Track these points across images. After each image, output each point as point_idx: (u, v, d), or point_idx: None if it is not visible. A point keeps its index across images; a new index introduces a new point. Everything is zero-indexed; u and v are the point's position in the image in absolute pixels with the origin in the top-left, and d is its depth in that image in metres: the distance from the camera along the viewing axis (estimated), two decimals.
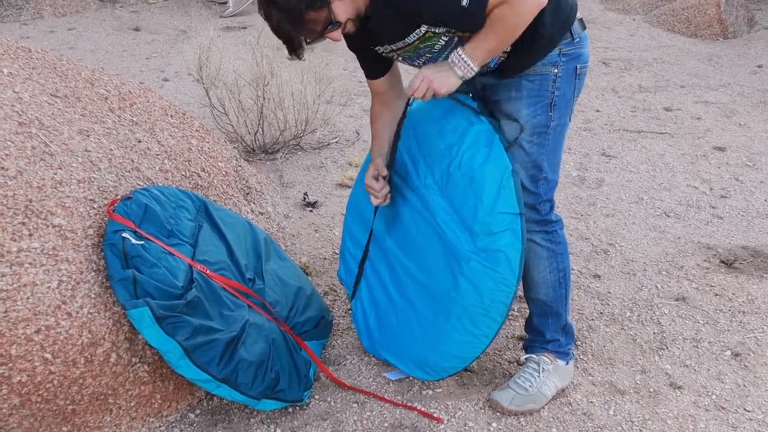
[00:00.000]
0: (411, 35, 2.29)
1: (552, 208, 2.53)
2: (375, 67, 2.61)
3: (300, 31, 2.24)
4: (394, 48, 2.36)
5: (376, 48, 2.44)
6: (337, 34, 2.29)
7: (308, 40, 2.30)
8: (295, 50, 2.34)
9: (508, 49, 2.31)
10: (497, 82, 2.44)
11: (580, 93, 2.49)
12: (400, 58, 2.46)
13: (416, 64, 2.44)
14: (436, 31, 2.25)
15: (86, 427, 2.26)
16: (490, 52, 2.25)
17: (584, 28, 2.42)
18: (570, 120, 2.47)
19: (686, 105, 5.83)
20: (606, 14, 8.65)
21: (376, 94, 2.69)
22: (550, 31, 2.32)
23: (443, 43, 2.30)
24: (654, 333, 2.92)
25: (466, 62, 2.26)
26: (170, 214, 2.55)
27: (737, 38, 7.95)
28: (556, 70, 2.36)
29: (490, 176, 2.41)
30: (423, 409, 2.49)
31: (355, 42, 2.51)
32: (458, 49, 2.26)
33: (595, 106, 5.74)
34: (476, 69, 2.27)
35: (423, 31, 2.26)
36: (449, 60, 2.28)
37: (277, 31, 2.26)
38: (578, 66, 2.40)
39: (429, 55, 2.36)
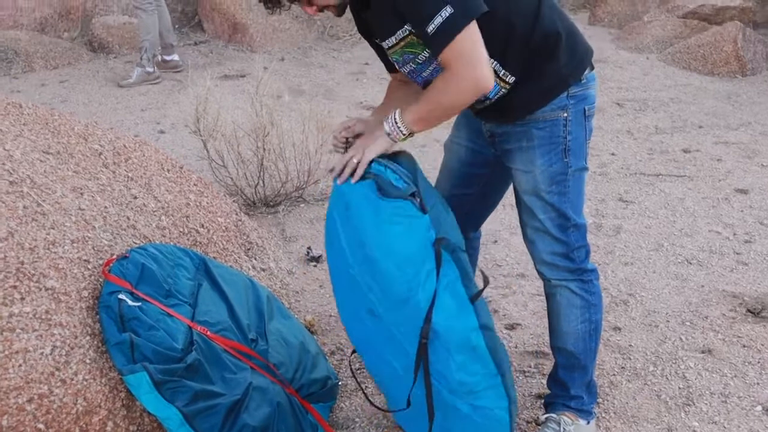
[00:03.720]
0: (397, 33, 2.30)
1: (587, 255, 2.54)
2: (388, 61, 2.62)
3: None
4: (386, 46, 2.38)
5: (375, 41, 2.47)
6: (309, 9, 2.34)
7: None
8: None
9: (511, 82, 2.33)
10: (506, 131, 2.45)
11: (592, 135, 2.50)
12: (393, 59, 2.48)
13: (405, 70, 2.45)
14: (416, 35, 2.27)
15: None
16: (422, 120, 2.29)
17: (593, 68, 2.45)
18: (587, 162, 2.49)
19: (705, 146, 5.85)
20: (618, 53, 8.71)
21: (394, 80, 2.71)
22: (564, 71, 2.35)
23: (426, 56, 2.32)
24: (679, 388, 2.91)
25: (395, 122, 2.31)
26: (168, 273, 2.56)
27: (756, 75, 8.00)
28: (565, 114, 2.38)
29: (454, 335, 2.30)
30: None
31: (362, 32, 2.54)
32: (395, 115, 2.31)
33: (610, 149, 5.77)
34: (404, 131, 2.31)
35: (406, 32, 2.28)
36: (383, 126, 2.33)
37: None
38: (586, 108, 2.42)
39: (413, 65, 2.36)
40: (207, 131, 4.50)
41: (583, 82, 2.40)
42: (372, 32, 2.45)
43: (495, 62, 2.30)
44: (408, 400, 2.39)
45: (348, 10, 2.41)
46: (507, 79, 2.33)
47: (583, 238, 2.52)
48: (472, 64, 2.16)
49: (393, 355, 2.43)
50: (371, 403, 2.62)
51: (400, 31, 2.28)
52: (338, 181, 2.39)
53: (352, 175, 2.37)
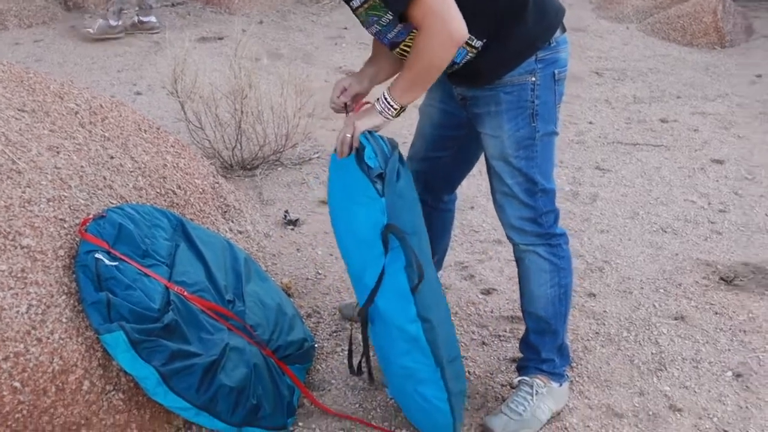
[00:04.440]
0: None
1: (556, 219, 2.55)
2: None
3: None
4: (352, 6, 2.33)
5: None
6: None
7: None
8: None
9: (478, 46, 2.32)
10: (475, 95, 2.45)
11: (563, 99, 2.51)
12: (360, 20, 2.46)
13: (371, 32, 2.44)
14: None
15: None
16: (408, 89, 2.28)
17: (564, 31, 2.44)
18: (557, 127, 2.49)
19: (683, 116, 5.88)
20: (598, 22, 8.70)
21: None
22: (532, 33, 2.33)
23: (390, 18, 2.28)
24: (652, 353, 2.95)
25: (386, 100, 2.30)
26: (145, 233, 2.56)
27: (735, 47, 8.03)
28: (533, 78, 2.37)
29: (395, 321, 2.34)
30: None
31: None
32: (384, 93, 2.30)
33: (588, 118, 5.79)
34: (395, 106, 2.29)
35: None
36: (375, 105, 2.33)
37: None
38: (556, 71, 2.41)
39: (378, 27, 2.33)
40: (185, 93, 4.47)
41: (552, 45, 2.38)
42: None
43: None
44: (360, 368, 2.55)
45: None
46: (473, 44, 2.31)
47: (551, 203, 2.53)
48: (442, 17, 2.13)
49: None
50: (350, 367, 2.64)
51: None
52: (337, 157, 2.38)
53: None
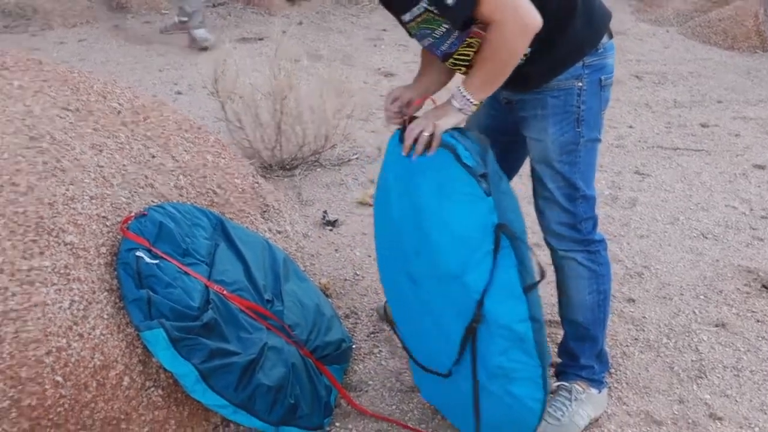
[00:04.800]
0: (413, 9, 2.26)
1: (595, 226, 2.53)
2: None
3: None
4: (403, 20, 2.34)
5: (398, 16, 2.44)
6: None
7: None
8: None
9: (528, 53, 2.28)
10: (521, 98, 2.44)
11: (608, 106, 2.49)
12: (411, 33, 2.45)
13: (423, 44, 2.43)
14: (434, 12, 2.24)
15: None
16: (485, 83, 2.25)
17: (611, 36, 2.42)
18: (601, 134, 2.47)
19: (724, 121, 5.81)
20: (638, 26, 8.63)
21: None
22: (580, 38, 2.32)
23: (444, 30, 2.28)
24: (692, 361, 2.91)
25: (463, 95, 2.26)
26: (186, 232, 2.57)
27: None
28: (580, 84, 2.36)
29: (503, 320, 2.27)
30: None
31: (383, 2, 2.51)
32: (459, 88, 2.27)
33: (628, 122, 5.73)
34: (474, 101, 2.26)
35: (422, 9, 2.23)
36: (452, 102, 2.29)
37: None
38: (602, 77, 2.40)
39: (431, 39, 2.33)
40: (225, 93, 4.49)
41: (599, 51, 2.37)
42: (390, 3, 2.42)
43: None
44: (449, 372, 2.40)
45: None
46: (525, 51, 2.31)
47: (591, 210, 2.51)
48: (513, 7, 2.10)
49: (427, 324, 2.44)
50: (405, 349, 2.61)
51: (416, 8, 2.24)
52: (413, 157, 2.35)
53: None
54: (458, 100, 2.27)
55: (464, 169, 2.25)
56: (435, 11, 2.20)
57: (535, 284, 2.26)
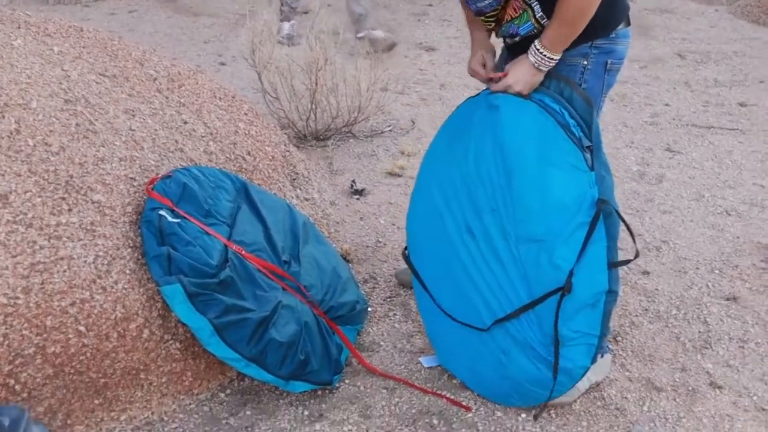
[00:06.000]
0: None
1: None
2: None
3: None
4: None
5: None
6: None
7: None
8: None
9: (544, 24, 2.35)
10: None
11: (610, 90, 2.54)
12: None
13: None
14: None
15: (117, 402, 2.39)
16: (566, 39, 2.31)
17: (629, 24, 2.46)
18: (598, 115, 2.52)
19: (764, 101, 5.75)
20: (687, 4, 8.53)
21: None
22: (597, 20, 2.35)
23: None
24: (699, 332, 2.95)
25: (541, 53, 2.33)
26: (209, 194, 2.68)
27: None
28: (585, 62, 2.42)
29: (583, 292, 2.33)
30: (452, 397, 2.57)
31: None
32: (536, 45, 2.33)
33: (665, 100, 5.71)
34: (553, 57, 2.33)
35: None
36: (529, 58, 2.36)
37: None
38: (609, 61, 2.45)
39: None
40: (261, 64, 4.59)
41: (611, 36, 2.42)
42: None
43: (536, 2, 2.34)
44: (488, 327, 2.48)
45: None
46: (542, 21, 2.37)
47: None
48: None
49: (476, 278, 2.51)
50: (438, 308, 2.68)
51: None
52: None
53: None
54: (536, 57, 2.35)
55: (571, 140, 2.33)
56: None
57: (623, 263, 2.36)
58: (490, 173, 2.45)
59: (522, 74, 2.39)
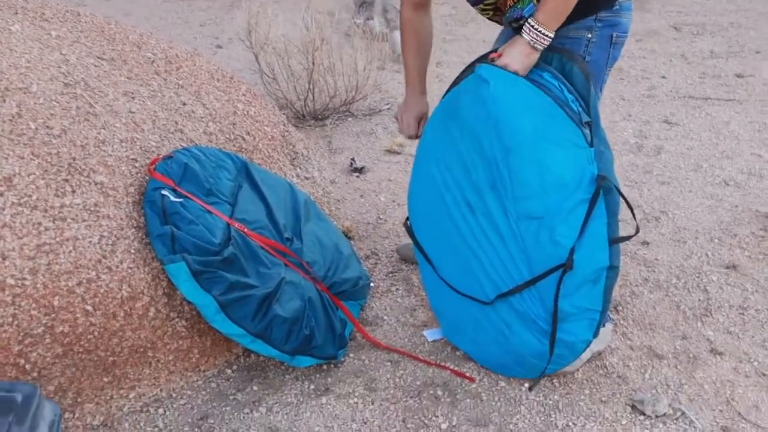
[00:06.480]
0: None
1: None
2: None
3: None
4: None
5: None
6: None
7: None
8: None
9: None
10: None
11: (615, 63, 2.54)
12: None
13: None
14: None
15: (126, 379, 2.43)
16: (560, 14, 2.29)
17: None
18: (602, 89, 2.53)
19: (760, 71, 5.77)
20: None
21: None
22: None
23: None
24: (699, 300, 2.98)
25: (536, 30, 2.30)
26: (210, 173, 2.70)
27: None
28: (589, 35, 2.42)
29: (584, 268, 2.33)
30: (456, 368, 2.61)
31: None
32: (530, 21, 2.30)
33: (662, 72, 5.73)
34: (549, 34, 2.30)
35: None
36: (523, 36, 2.33)
37: None
38: (614, 34, 2.45)
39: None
40: (258, 45, 4.60)
41: (615, 8, 2.43)
42: None
43: None
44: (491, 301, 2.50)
45: None
46: None
47: None
48: None
49: (477, 252, 2.52)
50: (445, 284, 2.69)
51: None
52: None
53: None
54: (530, 34, 2.31)
55: (568, 116, 2.32)
56: None
57: (624, 239, 2.35)
58: (485, 150, 2.44)
59: (517, 53, 2.36)
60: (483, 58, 2.51)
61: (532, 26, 2.30)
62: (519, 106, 2.35)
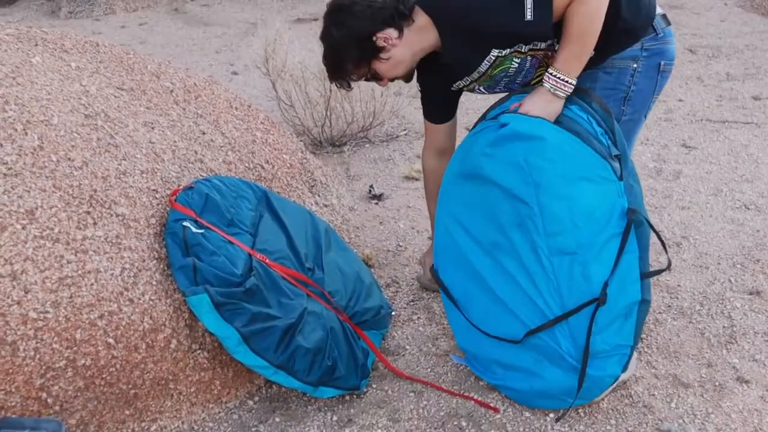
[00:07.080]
0: (483, 63, 2.40)
1: None
2: (441, 110, 2.76)
3: (341, 74, 2.56)
4: (473, 78, 2.48)
5: (456, 84, 2.57)
6: (381, 83, 2.58)
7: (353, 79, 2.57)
8: (339, 81, 2.64)
9: None
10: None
11: (661, 91, 2.55)
12: (481, 88, 2.57)
13: (497, 90, 2.55)
14: (505, 53, 2.35)
15: (148, 412, 2.41)
16: (578, 58, 2.30)
17: (669, 23, 2.47)
18: (645, 117, 2.52)
19: None
20: None
21: (433, 141, 2.85)
22: (633, 25, 2.38)
23: (516, 65, 2.40)
24: (723, 327, 2.95)
25: (558, 78, 2.32)
26: (231, 203, 2.70)
27: None
28: (635, 65, 2.43)
29: (617, 303, 2.32)
30: (480, 399, 2.58)
31: (428, 82, 2.68)
32: (549, 70, 2.32)
33: (678, 96, 5.71)
34: (571, 81, 2.31)
35: (494, 57, 2.37)
36: (544, 84, 2.34)
37: (324, 60, 2.60)
38: (662, 62, 2.45)
39: (506, 79, 2.48)
40: (275, 72, 4.61)
41: (660, 36, 2.43)
42: (454, 75, 2.56)
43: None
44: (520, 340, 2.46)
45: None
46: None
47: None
48: None
49: (506, 292, 2.49)
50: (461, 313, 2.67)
51: (487, 59, 2.39)
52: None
53: None
54: (553, 84, 2.32)
55: (595, 149, 2.30)
56: (506, 52, 2.37)
57: (655, 273, 2.35)
58: (512, 188, 2.40)
59: (538, 101, 2.36)
60: (496, 108, 2.54)
61: (551, 74, 2.32)
62: (555, 144, 2.34)
